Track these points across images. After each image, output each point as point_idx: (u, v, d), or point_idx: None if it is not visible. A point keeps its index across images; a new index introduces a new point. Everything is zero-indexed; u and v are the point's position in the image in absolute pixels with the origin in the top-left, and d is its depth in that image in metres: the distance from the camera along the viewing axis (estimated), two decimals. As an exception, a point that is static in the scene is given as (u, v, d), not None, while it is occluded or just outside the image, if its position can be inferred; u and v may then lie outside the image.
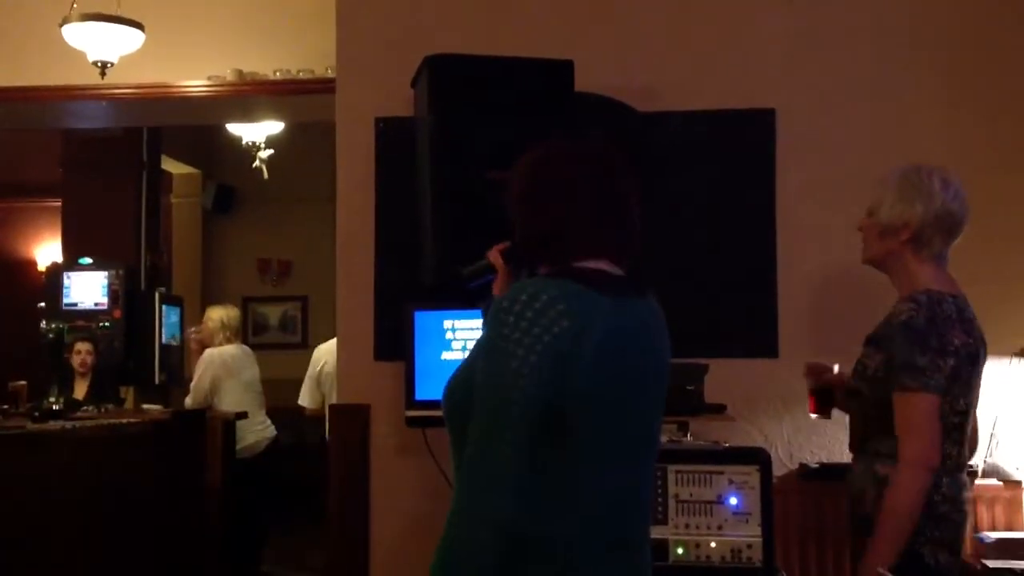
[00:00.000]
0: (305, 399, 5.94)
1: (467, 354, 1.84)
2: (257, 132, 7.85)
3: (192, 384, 6.22)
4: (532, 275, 1.86)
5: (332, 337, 4.77)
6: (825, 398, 2.74)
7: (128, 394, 5.78)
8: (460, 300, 2.07)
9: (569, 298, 1.68)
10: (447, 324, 3.48)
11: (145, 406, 5.87)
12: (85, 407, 5.46)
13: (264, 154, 8.06)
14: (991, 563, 3.04)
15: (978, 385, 2.48)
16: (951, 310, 2.40)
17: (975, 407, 2.49)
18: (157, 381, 6.98)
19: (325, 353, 5.75)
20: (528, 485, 1.64)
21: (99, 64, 4.97)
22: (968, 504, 2.46)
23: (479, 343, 1.77)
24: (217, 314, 6.36)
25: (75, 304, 7.02)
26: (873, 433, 2.45)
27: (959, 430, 2.40)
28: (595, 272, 1.78)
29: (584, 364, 1.66)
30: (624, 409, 1.75)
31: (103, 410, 5.46)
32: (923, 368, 2.33)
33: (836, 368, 2.74)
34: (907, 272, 2.49)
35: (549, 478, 1.68)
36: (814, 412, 2.81)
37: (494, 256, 2.06)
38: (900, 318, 2.39)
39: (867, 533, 2.41)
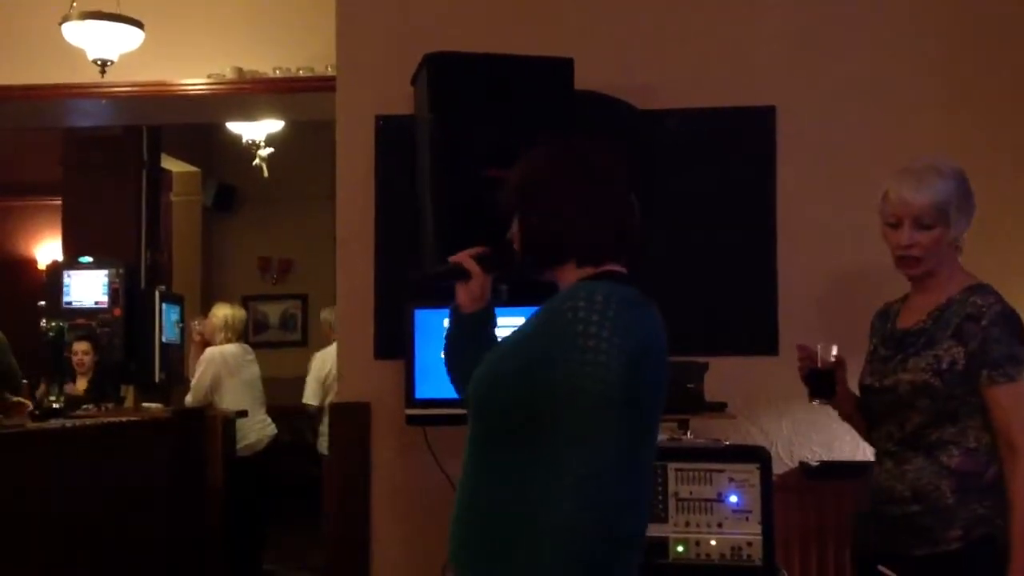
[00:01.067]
0: (313, 398, 6.02)
1: (503, 350, 1.85)
2: (257, 130, 7.85)
3: (192, 382, 6.22)
4: (503, 281, 1.88)
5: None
6: (823, 384, 2.67)
7: (128, 392, 5.78)
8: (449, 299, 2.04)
9: (635, 304, 1.75)
10: (447, 322, 3.48)
11: (145, 404, 5.87)
12: (85, 405, 5.46)
13: (264, 152, 8.06)
14: None
15: None
16: None
17: None
18: (157, 379, 6.98)
19: (330, 358, 5.76)
20: (625, 484, 1.71)
21: (99, 62, 4.97)
22: None
23: (528, 342, 1.78)
24: (222, 312, 6.36)
25: (75, 303, 7.03)
26: (934, 425, 2.39)
27: None
28: (627, 277, 1.84)
29: (651, 367, 1.74)
30: (659, 412, 1.84)
31: (103, 408, 5.46)
32: (1021, 360, 2.32)
33: (835, 350, 2.68)
34: (950, 271, 2.46)
35: (635, 477, 1.75)
36: (814, 399, 2.74)
37: (468, 262, 2.00)
38: (993, 308, 2.35)
39: (918, 532, 2.37)
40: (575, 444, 1.67)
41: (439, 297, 2.13)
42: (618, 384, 1.66)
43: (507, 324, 2.07)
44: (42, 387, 5.12)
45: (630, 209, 1.87)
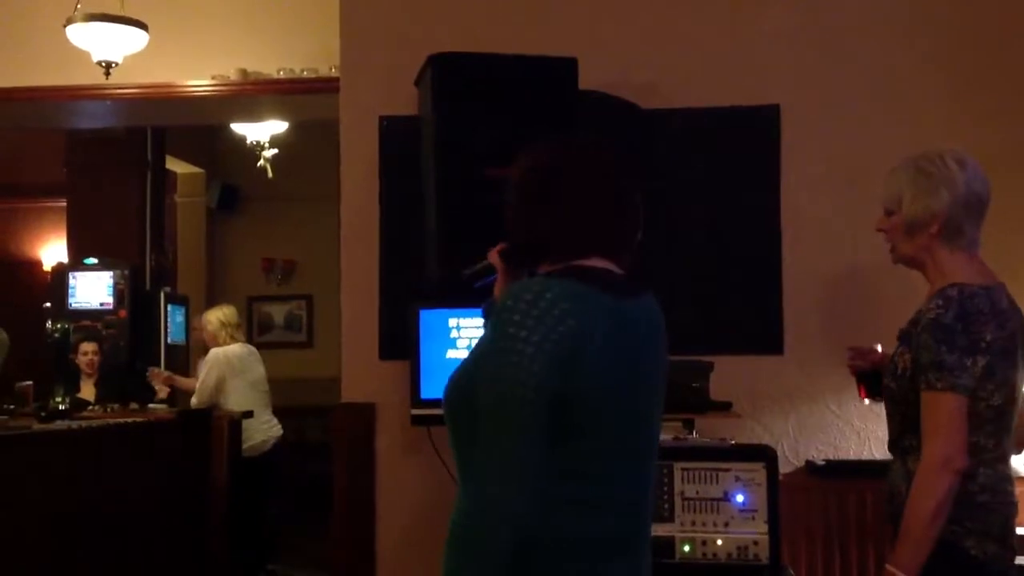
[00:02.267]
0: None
1: (467, 353, 1.84)
2: (261, 131, 7.86)
3: (198, 383, 6.23)
4: (532, 275, 1.86)
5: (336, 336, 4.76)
6: (875, 381, 2.62)
7: (154, 378, 5.81)
8: (465, 298, 2.04)
9: (573, 298, 1.68)
10: (452, 322, 3.48)
11: (151, 405, 5.88)
12: (91, 407, 5.47)
13: (268, 153, 8.07)
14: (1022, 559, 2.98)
15: (1020, 376, 2.38)
16: (983, 304, 2.30)
17: (1020, 399, 2.40)
18: (163, 380, 6.99)
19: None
20: (540, 483, 1.65)
21: (103, 64, 4.98)
22: (1015, 496, 2.39)
23: (481, 342, 1.77)
24: (214, 315, 6.37)
25: (81, 304, 7.04)
26: (905, 430, 2.39)
27: (995, 422, 2.33)
28: (596, 271, 1.79)
29: (588, 363, 1.66)
30: (627, 407, 1.75)
31: (109, 410, 5.47)
32: (951, 367, 2.25)
33: (879, 348, 2.67)
34: (939, 266, 2.39)
35: (559, 476, 1.68)
36: (865, 397, 2.73)
37: (493, 257, 2.03)
38: (928, 315, 2.30)
39: (894, 530, 2.38)
40: (489, 446, 1.64)
41: (471, 296, 2.14)
42: (533, 384, 1.62)
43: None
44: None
45: (623, 206, 1.85)
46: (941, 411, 2.26)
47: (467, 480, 1.72)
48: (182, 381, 6.39)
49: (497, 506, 1.62)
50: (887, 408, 2.50)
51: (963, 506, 2.27)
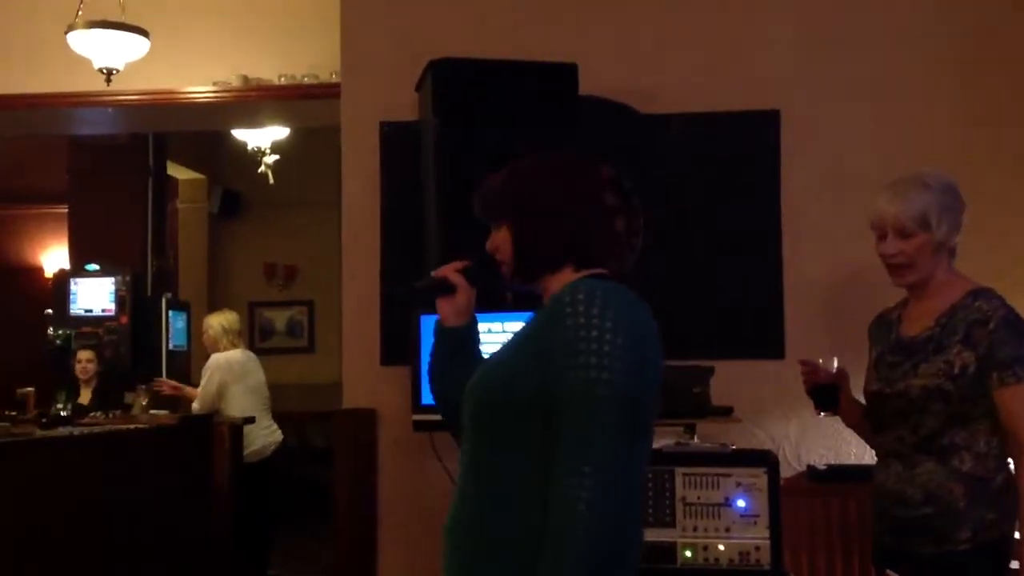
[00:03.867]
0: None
1: (502, 352, 1.82)
2: (262, 137, 7.86)
3: (199, 388, 6.23)
4: (490, 293, 1.85)
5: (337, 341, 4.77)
6: (828, 396, 2.70)
7: (136, 400, 5.80)
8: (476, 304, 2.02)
9: (637, 303, 1.72)
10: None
11: (153, 412, 5.87)
12: (93, 413, 5.47)
13: (269, 159, 8.07)
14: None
15: None
16: None
17: None
18: (164, 387, 6.99)
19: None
20: (628, 486, 1.67)
21: (105, 71, 4.98)
22: None
23: (525, 343, 1.76)
24: (216, 320, 6.37)
25: (82, 310, 7.04)
26: (947, 430, 2.42)
27: None
28: (616, 279, 1.81)
29: (652, 367, 1.71)
30: (657, 411, 1.79)
31: (110, 416, 5.47)
32: None
33: (835, 362, 2.70)
34: (947, 276, 2.50)
35: (635, 479, 1.70)
36: (819, 411, 2.78)
37: (454, 276, 1.96)
38: (999, 313, 2.39)
39: (927, 533, 2.41)
40: (576, 447, 1.62)
41: (421, 310, 2.10)
42: (622, 384, 1.62)
43: (512, 328, 2.05)
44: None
45: (618, 214, 1.86)
46: None
47: (487, 484, 1.71)
48: (189, 391, 6.39)
49: (600, 510, 1.58)
50: (905, 410, 2.48)
51: (1010, 507, 2.35)
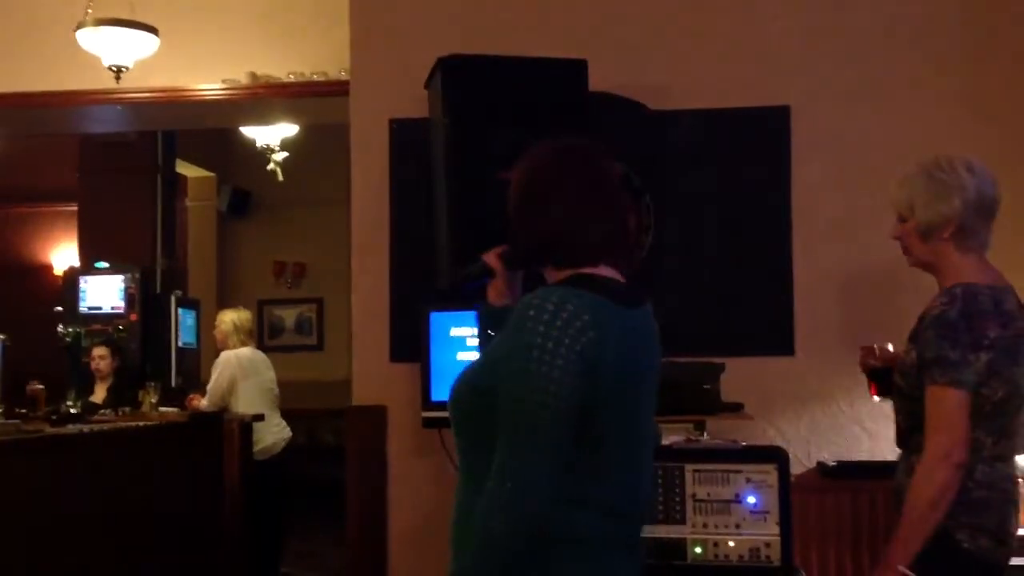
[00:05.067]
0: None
1: (474, 358, 1.87)
2: (271, 135, 7.87)
3: (209, 385, 6.24)
4: (531, 278, 1.87)
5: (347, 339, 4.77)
6: (886, 379, 2.65)
7: (146, 396, 5.81)
8: (474, 301, 2.07)
9: (592, 309, 1.71)
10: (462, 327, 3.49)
11: (162, 409, 5.89)
12: (103, 410, 5.48)
13: (279, 157, 8.08)
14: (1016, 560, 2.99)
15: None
16: (987, 302, 2.36)
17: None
18: (174, 384, 7.01)
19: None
20: (560, 487, 1.69)
21: (114, 69, 4.99)
22: (1016, 495, 2.43)
23: (495, 348, 1.79)
24: (229, 317, 6.39)
25: (92, 308, 7.05)
26: (913, 427, 2.43)
27: (995, 419, 2.36)
28: (606, 281, 1.81)
29: (606, 371, 1.70)
30: (635, 411, 1.81)
31: (120, 413, 5.48)
32: (954, 363, 2.30)
33: (891, 347, 2.69)
34: (952, 267, 2.45)
35: (579, 480, 1.72)
36: (875, 395, 2.76)
37: (492, 260, 2.07)
38: (932, 312, 2.36)
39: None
40: (511, 448, 1.67)
41: (469, 299, 2.16)
42: (559, 393, 1.65)
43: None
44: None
45: (626, 212, 1.87)
46: (943, 406, 2.31)
47: (476, 479, 1.74)
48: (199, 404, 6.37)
49: (517, 506, 1.66)
50: (895, 406, 2.55)
51: (959, 501, 2.31)
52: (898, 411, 2.53)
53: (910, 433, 2.46)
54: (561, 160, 1.88)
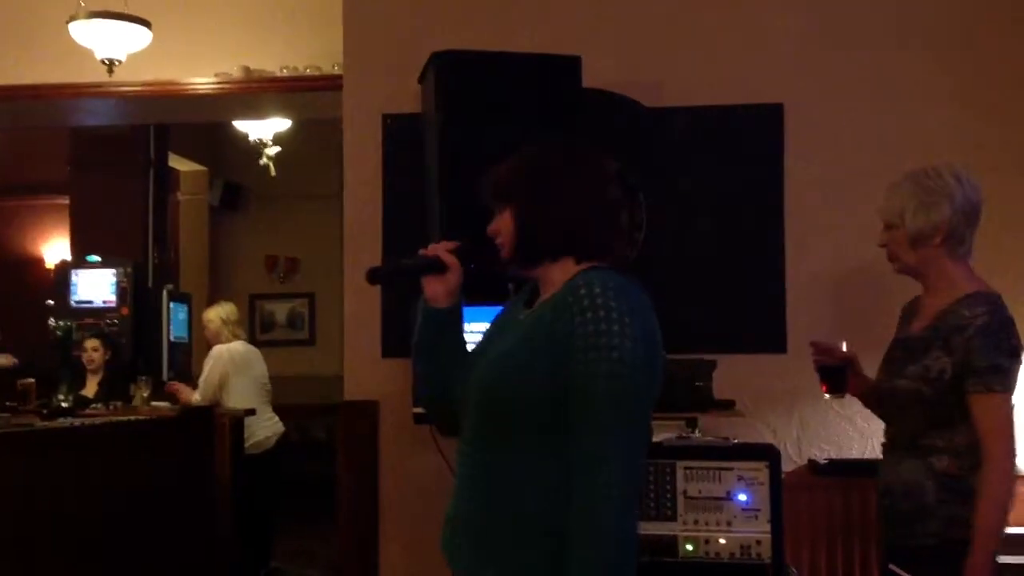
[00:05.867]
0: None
1: (503, 344, 1.83)
2: (264, 129, 7.85)
3: (201, 379, 6.23)
4: (481, 274, 1.87)
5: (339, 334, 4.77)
6: (838, 378, 2.70)
7: (138, 391, 5.79)
8: (471, 296, 2.01)
9: (642, 291, 1.75)
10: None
11: (154, 403, 5.87)
12: (94, 404, 5.46)
13: (271, 151, 8.06)
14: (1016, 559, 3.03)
15: None
16: (1008, 310, 2.44)
17: None
18: (165, 378, 6.99)
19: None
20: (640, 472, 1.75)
21: (107, 62, 4.97)
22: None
23: (533, 332, 1.76)
24: (215, 313, 6.38)
25: (83, 301, 7.03)
26: (927, 429, 2.45)
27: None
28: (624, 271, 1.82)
29: (659, 359, 1.74)
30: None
31: (112, 407, 5.47)
32: (1006, 370, 2.38)
33: (844, 346, 2.71)
34: (945, 274, 2.50)
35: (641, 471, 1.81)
36: (827, 393, 2.78)
37: (447, 256, 1.93)
38: (976, 321, 2.39)
39: (907, 525, 2.45)
40: (599, 434, 1.65)
41: (400, 289, 2.10)
42: (640, 374, 1.66)
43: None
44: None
45: (622, 207, 1.86)
46: (1001, 412, 2.38)
47: (511, 471, 1.73)
48: (187, 395, 6.34)
49: (630, 492, 1.66)
50: (895, 406, 2.55)
51: (964, 502, 2.37)
52: (901, 413, 2.53)
53: (920, 435, 2.47)
54: (573, 156, 1.89)
